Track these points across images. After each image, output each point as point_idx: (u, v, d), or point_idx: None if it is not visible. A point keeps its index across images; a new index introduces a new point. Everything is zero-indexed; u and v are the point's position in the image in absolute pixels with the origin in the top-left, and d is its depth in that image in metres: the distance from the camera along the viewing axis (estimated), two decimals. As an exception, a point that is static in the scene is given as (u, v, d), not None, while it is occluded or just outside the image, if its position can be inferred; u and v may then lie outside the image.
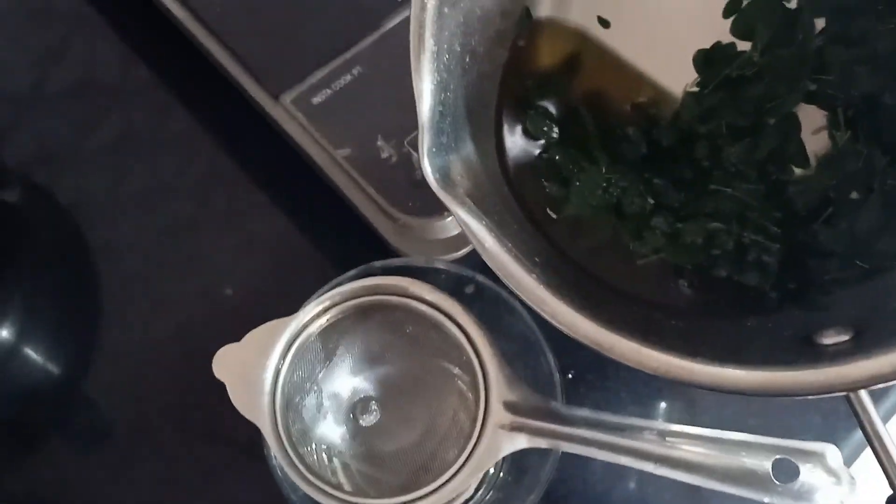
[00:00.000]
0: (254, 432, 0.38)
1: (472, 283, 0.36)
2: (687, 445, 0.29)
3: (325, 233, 0.44)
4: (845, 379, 0.23)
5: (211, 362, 0.33)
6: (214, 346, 0.33)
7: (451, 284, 0.36)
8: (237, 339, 0.33)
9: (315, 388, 0.34)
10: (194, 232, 0.46)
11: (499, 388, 0.31)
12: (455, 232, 0.39)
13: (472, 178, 0.28)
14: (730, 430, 0.29)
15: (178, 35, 0.46)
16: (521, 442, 0.30)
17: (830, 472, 0.28)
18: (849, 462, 0.39)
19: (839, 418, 0.40)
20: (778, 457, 0.28)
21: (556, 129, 0.31)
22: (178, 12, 0.45)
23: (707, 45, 0.31)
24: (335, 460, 0.33)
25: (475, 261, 0.29)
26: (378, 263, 0.35)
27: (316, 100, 0.41)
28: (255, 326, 0.33)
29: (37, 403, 0.43)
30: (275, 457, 0.31)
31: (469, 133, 0.30)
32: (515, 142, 0.32)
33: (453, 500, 0.33)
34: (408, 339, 0.34)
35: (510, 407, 0.31)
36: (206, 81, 0.46)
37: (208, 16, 0.44)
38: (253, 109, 0.44)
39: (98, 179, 0.47)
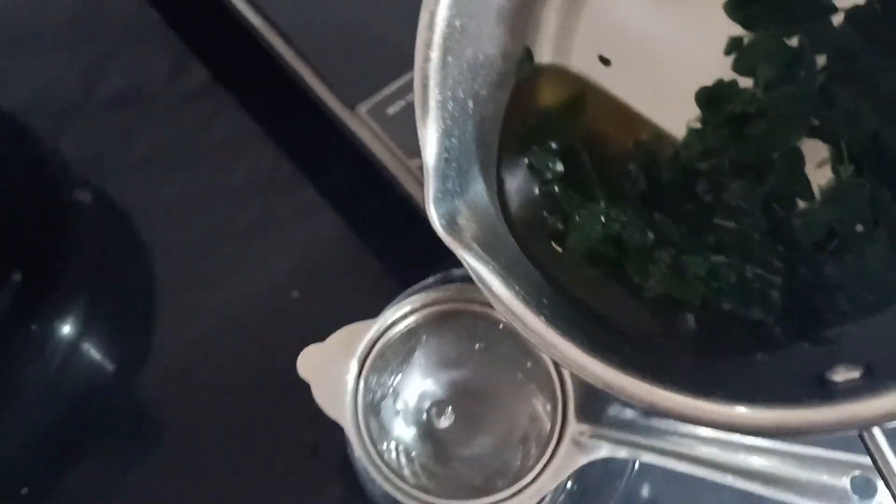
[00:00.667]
0: (319, 437, 0.39)
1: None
2: (764, 459, 0.30)
3: (390, 239, 0.45)
4: (857, 417, 0.23)
5: (275, 364, 0.34)
6: (284, 348, 0.34)
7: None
8: (301, 342, 0.34)
9: (392, 390, 0.35)
10: (258, 233, 0.46)
11: (577, 396, 0.32)
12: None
13: (477, 222, 0.28)
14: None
15: (234, 41, 0.47)
16: (602, 451, 0.31)
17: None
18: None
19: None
20: (856, 473, 0.29)
21: (559, 165, 0.31)
22: (254, 20, 0.46)
23: (708, 83, 0.31)
24: (413, 461, 0.33)
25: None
26: (457, 271, 0.36)
27: (391, 110, 0.42)
28: (321, 329, 0.34)
29: (92, 401, 0.44)
30: (358, 456, 0.32)
31: (473, 176, 0.29)
32: (517, 182, 0.31)
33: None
34: (483, 346, 0.35)
35: (589, 416, 0.32)
36: (269, 86, 0.47)
37: (285, 25, 0.45)
38: (322, 116, 0.44)
39: (162, 183, 0.48)
